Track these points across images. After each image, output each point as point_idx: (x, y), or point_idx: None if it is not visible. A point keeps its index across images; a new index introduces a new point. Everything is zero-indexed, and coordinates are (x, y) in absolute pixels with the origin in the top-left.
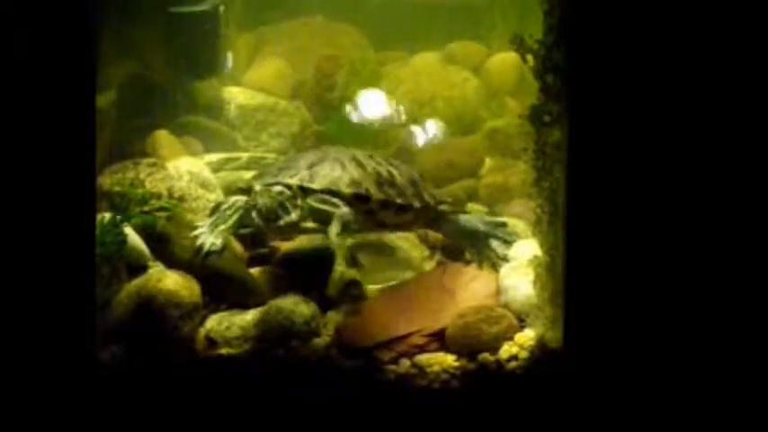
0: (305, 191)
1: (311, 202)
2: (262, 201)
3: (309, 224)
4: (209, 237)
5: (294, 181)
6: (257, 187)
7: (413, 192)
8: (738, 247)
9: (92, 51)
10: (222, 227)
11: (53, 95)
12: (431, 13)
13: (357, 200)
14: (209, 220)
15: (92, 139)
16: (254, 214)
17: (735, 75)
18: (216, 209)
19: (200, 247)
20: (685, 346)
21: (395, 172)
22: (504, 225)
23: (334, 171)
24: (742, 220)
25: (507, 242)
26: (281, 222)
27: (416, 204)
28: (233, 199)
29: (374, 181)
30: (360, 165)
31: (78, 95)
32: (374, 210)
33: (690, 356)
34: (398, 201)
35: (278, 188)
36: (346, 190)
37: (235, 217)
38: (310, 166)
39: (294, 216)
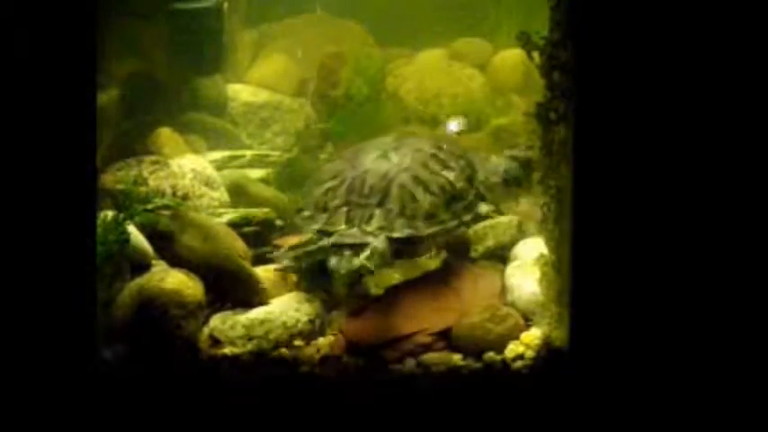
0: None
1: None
2: (341, 279)
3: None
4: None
5: (372, 233)
6: (332, 262)
7: (467, 197)
8: (744, 246)
9: (93, 48)
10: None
11: (54, 93)
12: (436, 9)
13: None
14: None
15: (93, 136)
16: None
17: (742, 73)
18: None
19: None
20: (691, 344)
21: (454, 177)
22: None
23: (406, 208)
24: (747, 221)
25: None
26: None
27: (468, 219)
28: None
29: (442, 203)
30: (426, 188)
31: (79, 92)
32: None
33: (695, 356)
34: (458, 224)
35: (355, 264)
36: (425, 232)
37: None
38: (382, 200)
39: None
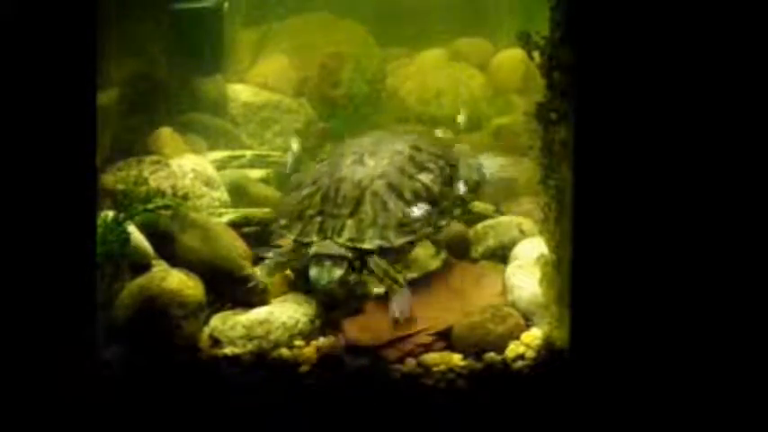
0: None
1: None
2: (322, 289)
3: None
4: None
5: (343, 244)
6: (312, 273)
7: (444, 200)
8: (744, 246)
9: (93, 48)
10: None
11: (54, 93)
12: (437, 9)
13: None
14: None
15: (93, 136)
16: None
17: (742, 73)
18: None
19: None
20: (692, 344)
21: (431, 180)
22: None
23: (378, 218)
24: (748, 220)
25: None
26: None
27: (443, 224)
28: (271, 264)
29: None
30: (400, 195)
31: (79, 92)
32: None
33: (696, 355)
34: (431, 231)
35: (336, 275)
36: (396, 242)
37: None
38: (354, 209)
39: (354, 278)
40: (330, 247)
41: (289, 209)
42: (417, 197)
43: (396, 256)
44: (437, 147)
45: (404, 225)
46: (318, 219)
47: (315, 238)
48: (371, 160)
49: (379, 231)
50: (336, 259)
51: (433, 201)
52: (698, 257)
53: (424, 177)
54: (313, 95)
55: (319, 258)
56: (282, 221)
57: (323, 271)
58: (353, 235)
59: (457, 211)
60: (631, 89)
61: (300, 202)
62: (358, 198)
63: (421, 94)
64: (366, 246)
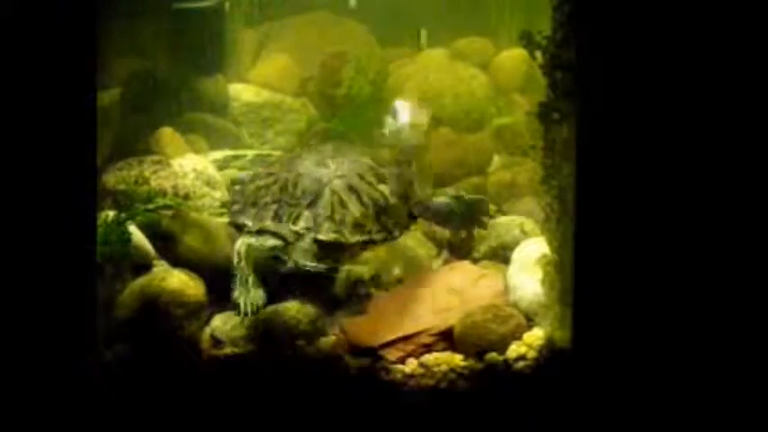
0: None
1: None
2: (256, 256)
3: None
4: (247, 296)
5: (297, 231)
6: (249, 240)
7: (399, 213)
8: (746, 245)
9: (93, 48)
10: (250, 279)
11: (54, 92)
12: (438, 9)
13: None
14: (236, 282)
15: (94, 136)
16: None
17: (743, 73)
18: (234, 269)
19: (244, 309)
20: (695, 344)
21: (390, 192)
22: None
23: (335, 213)
24: (749, 220)
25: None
26: (284, 270)
27: (397, 234)
28: (236, 247)
29: (372, 214)
30: (359, 198)
31: (79, 92)
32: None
33: (699, 355)
34: (385, 237)
35: (269, 243)
36: (351, 239)
37: (251, 264)
38: (313, 202)
39: (291, 264)
40: (276, 227)
41: (243, 195)
42: (375, 204)
43: (345, 254)
44: (395, 163)
45: (360, 225)
46: (274, 206)
47: (269, 223)
48: (333, 163)
49: (335, 226)
50: (276, 235)
51: (389, 210)
52: (700, 257)
53: (383, 188)
54: (314, 95)
55: (262, 233)
56: (235, 206)
57: (251, 238)
58: (310, 224)
59: (411, 226)
60: (634, 88)
61: (256, 190)
62: (317, 192)
63: (422, 93)
64: (321, 236)
